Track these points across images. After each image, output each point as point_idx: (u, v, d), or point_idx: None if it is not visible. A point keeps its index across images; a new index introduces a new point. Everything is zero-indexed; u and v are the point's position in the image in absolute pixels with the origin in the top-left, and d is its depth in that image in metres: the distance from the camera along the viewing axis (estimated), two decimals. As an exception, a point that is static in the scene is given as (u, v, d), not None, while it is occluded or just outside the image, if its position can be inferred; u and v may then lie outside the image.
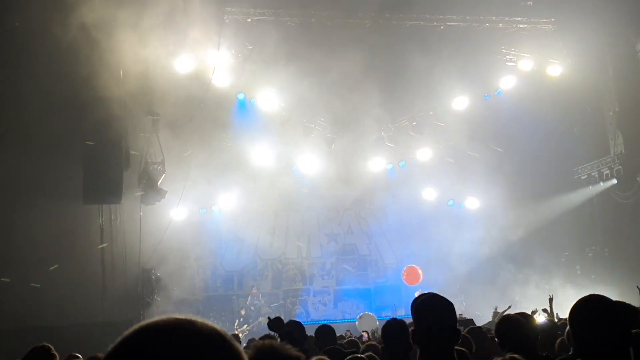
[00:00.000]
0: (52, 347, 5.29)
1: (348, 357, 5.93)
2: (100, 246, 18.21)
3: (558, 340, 6.93)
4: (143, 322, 1.31)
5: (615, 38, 22.46)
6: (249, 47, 21.73)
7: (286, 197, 24.41)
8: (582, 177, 24.70)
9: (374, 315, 22.03)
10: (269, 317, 7.69)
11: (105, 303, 18.80)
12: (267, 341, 3.08)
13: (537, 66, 23.59)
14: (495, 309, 17.50)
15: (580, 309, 3.49)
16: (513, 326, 5.66)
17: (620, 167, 22.93)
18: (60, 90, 16.92)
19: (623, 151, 22.88)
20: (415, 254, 24.58)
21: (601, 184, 23.75)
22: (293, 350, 3.05)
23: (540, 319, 9.58)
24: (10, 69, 17.28)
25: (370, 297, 25.43)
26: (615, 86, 23.20)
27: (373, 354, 6.56)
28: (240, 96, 22.66)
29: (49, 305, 16.51)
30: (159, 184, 19.22)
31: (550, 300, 10.31)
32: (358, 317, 22.02)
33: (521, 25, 23.06)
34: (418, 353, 4.05)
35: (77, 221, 18.42)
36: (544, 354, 5.97)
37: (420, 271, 23.37)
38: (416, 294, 4.12)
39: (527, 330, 5.73)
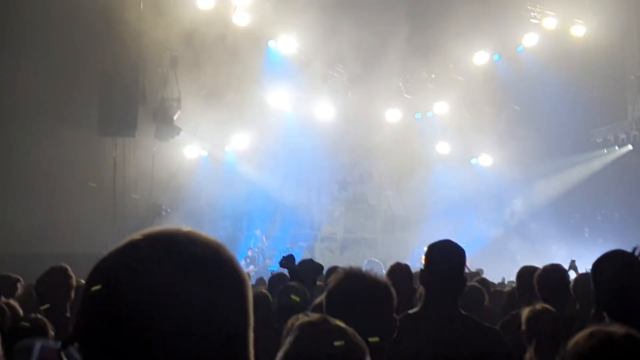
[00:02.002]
0: (69, 268, 5.38)
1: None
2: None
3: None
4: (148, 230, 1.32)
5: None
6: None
7: (300, 142, 24.35)
8: (598, 140, 24.51)
9: (380, 263, 22.20)
10: (283, 257, 7.72)
11: (115, 235, 19.00)
12: (355, 267, 3.12)
13: (561, 25, 23.22)
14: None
15: (605, 263, 3.49)
16: (555, 277, 5.66)
17: (637, 132, 22.73)
18: (79, 19, 16.85)
19: (641, 117, 22.69)
20: (424, 206, 24.61)
21: (616, 148, 23.60)
22: (381, 276, 3.10)
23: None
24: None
25: (376, 247, 25.59)
26: (639, 51, 22.87)
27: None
28: (260, 37, 22.46)
29: (61, 234, 16.73)
30: (174, 120, 19.25)
31: (572, 262, 10.33)
32: (363, 265, 22.15)
33: (549, -18, 22.67)
34: (424, 294, 4.12)
35: (91, 152, 18.52)
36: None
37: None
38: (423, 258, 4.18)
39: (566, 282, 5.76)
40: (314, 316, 2.30)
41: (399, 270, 6.30)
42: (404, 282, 6.17)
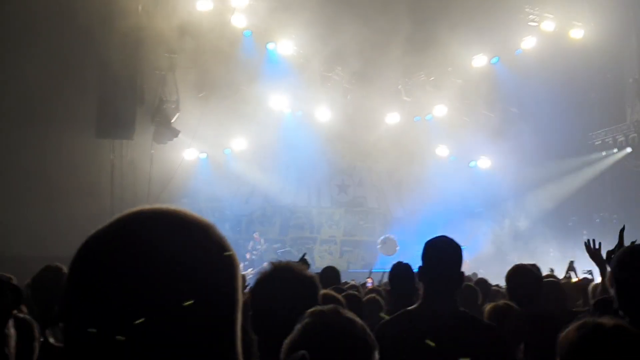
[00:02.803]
0: (64, 267, 5.34)
1: (344, 293, 6.00)
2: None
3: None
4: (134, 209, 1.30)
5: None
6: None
7: (299, 145, 24.35)
8: (596, 143, 24.55)
9: (395, 240, 22.36)
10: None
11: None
12: (283, 261, 3.13)
13: (560, 28, 23.24)
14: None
15: (627, 257, 3.46)
16: (523, 275, 5.68)
17: (635, 135, 22.77)
18: (77, 22, 16.84)
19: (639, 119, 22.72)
20: (424, 210, 24.62)
21: (615, 150, 23.62)
22: (307, 271, 3.09)
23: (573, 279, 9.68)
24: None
25: (375, 250, 25.56)
26: (637, 54, 22.90)
27: (376, 296, 6.66)
28: (259, 39, 22.47)
29: (57, 236, 16.68)
30: (172, 122, 19.24)
31: (571, 263, 10.32)
32: (380, 240, 22.32)
33: (547, -15, 22.69)
34: (422, 291, 4.10)
35: (89, 154, 18.51)
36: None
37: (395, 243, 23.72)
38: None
39: (535, 280, 5.77)
40: (327, 307, 2.31)
41: (400, 270, 6.28)
42: (406, 281, 6.16)
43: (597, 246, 5.40)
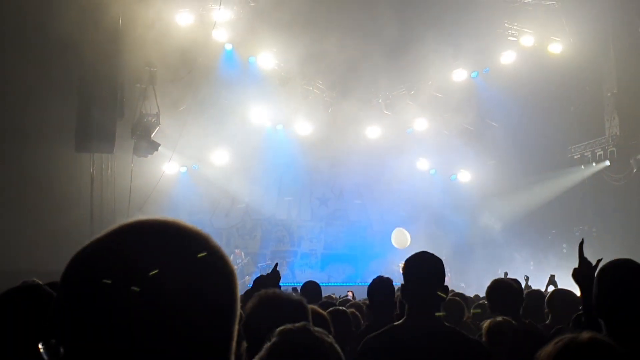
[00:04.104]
0: (42, 283, 5.26)
1: (329, 309, 5.98)
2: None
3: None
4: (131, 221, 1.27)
5: (619, 19, 22.33)
6: (252, 4, 21.49)
7: (280, 158, 24.36)
8: (575, 157, 24.72)
9: (407, 233, 22.36)
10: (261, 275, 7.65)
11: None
12: (270, 290, 3.11)
13: (539, 43, 23.46)
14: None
15: (611, 272, 3.46)
16: (504, 290, 5.69)
17: (614, 148, 22.94)
18: (57, 35, 16.73)
19: (618, 133, 22.87)
20: (405, 223, 24.66)
21: (594, 164, 23.79)
22: (294, 296, 3.08)
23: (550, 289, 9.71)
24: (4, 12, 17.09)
25: (357, 263, 25.56)
26: (615, 68, 23.10)
27: (355, 311, 6.62)
28: (240, 53, 22.48)
29: (36, 251, 16.52)
30: (152, 136, 19.15)
31: (552, 277, 10.35)
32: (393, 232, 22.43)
33: (526, 0, 22.86)
34: (406, 307, 4.07)
35: (68, 168, 18.36)
36: (527, 321, 6.02)
37: (408, 235, 23.50)
38: (400, 265, 4.16)
39: (516, 295, 5.77)
40: (296, 325, 2.28)
41: (381, 284, 6.25)
42: (385, 297, 6.13)
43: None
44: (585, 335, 2.32)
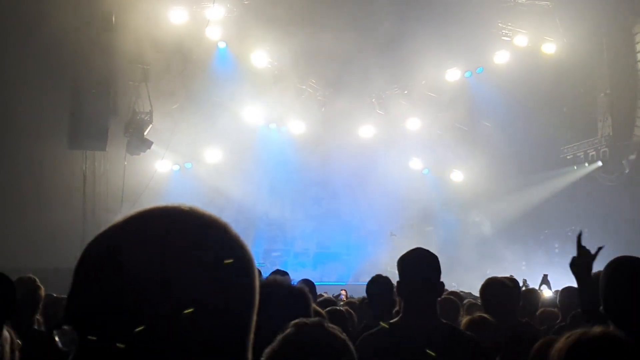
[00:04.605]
0: (37, 279, 5.24)
1: (327, 309, 5.96)
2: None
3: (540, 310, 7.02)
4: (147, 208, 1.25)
5: (613, 21, 22.40)
6: (245, 2, 21.44)
7: (273, 157, 24.32)
8: (568, 157, 24.78)
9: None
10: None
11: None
12: (271, 277, 3.09)
13: (532, 43, 23.48)
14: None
15: (616, 269, 3.44)
16: (497, 289, 5.68)
17: (606, 149, 23.01)
18: (50, 32, 16.68)
19: (611, 134, 22.95)
20: (398, 222, 24.69)
21: (586, 164, 23.85)
22: (297, 286, 3.05)
23: (546, 292, 9.71)
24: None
25: (349, 262, 25.53)
26: (608, 69, 23.17)
27: (349, 309, 6.62)
28: (233, 51, 22.43)
29: (28, 248, 16.45)
30: (145, 134, 19.10)
31: (545, 276, 10.38)
32: None
33: (520, 0, 22.89)
34: (402, 305, 4.06)
35: (61, 165, 18.30)
36: (524, 320, 6.02)
37: None
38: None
39: (510, 294, 5.76)
40: (311, 319, 2.28)
41: (378, 283, 6.24)
42: (384, 294, 6.11)
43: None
44: (596, 329, 2.30)
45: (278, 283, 2.99)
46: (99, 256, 1.18)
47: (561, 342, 2.32)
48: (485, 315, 5.06)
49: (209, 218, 1.24)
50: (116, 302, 1.13)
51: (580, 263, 4.10)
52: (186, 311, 1.12)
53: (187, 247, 1.17)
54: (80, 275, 1.19)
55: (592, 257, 4.13)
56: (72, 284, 1.20)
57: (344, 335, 2.26)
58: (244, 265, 1.23)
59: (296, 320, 2.32)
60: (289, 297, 2.92)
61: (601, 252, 4.24)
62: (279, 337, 2.23)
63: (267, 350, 2.23)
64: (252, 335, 1.24)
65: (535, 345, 3.63)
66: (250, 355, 1.24)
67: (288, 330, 2.24)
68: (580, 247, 4.13)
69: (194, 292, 1.14)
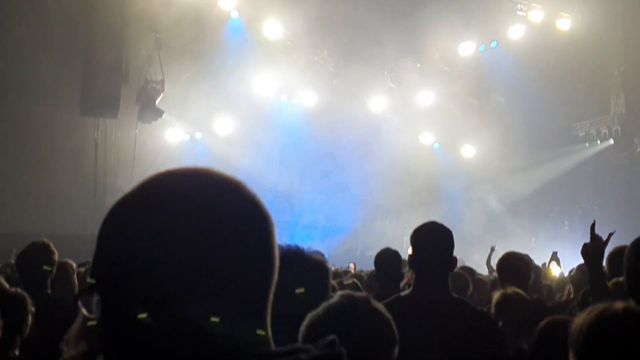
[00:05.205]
0: (51, 243, 5.26)
1: (337, 280, 5.99)
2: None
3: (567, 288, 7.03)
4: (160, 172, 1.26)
5: (629, -2, 22.22)
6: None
7: (283, 128, 24.28)
8: (580, 134, 24.66)
9: None
10: None
11: (95, 217, 18.84)
12: (292, 245, 3.08)
13: (547, 18, 23.26)
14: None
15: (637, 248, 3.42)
16: (516, 265, 5.68)
17: (619, 127, 22.89)
18: (64, 0, 16.65)
19: (623, 112, 22.81)
20: (407, 197, 24.67)
21: (598, 142, 23.75)
22: (317, 255, 3.05)
23: (556, 270, 9.67)
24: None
25: (357, 236, 25.56)
26: (623, 46, 22.99)
27: (356, 281, 6.65)
28: (245, 21, 22.30)
29: (40, 214, 16.57)
30: (157, 103, 19.09)
31: (554, 254, 10.36)
32: None
33: (536, -25, 22.67)
34: (414, 277, 4.06)
35: (73, 133, 18.36)
36: (535, 296, 6.03)
37: None
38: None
39: (529, 269, 5.77)
40: (358, 293, 2.29)
41: (388, 256, 6.26)
42: (392, 268, 6.14)
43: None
44: (619, 305, 2.28)
45: (297, 251, 2.99)
46: (122, 220, 1.19)
47: (582, 317, 2.30)
48: (519, 290, 5.01)
49: (226, 177, 1.26)
50: (137, 267, 1.14)
51: (592, 250, 4.10)
52: (205, 271, 1.14)
53: (205, 205, 1.18)
54: (103, 241, 1.20)
55: (604, 244, 4.13)
56: (96, 249, 1.21)
57: (388, 314, 2.27)
58: (263, 223, 1.25)
59: (344, 291, 2.31)
60: (308, 265, 2.92)
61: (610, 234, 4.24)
62: (324, 304, 2.24)
63: (311, 315, 2.24)
64: (271, 295, 1.24)
65: (541, 323, 3.64)
66: (269, 315, 1.24)
67: (335, 299, 2.25)
68: (594, 234, 4.12)
69: (213, 252, 1.15)
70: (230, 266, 1.16)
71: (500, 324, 4.47)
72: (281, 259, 2.97)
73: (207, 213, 1.17)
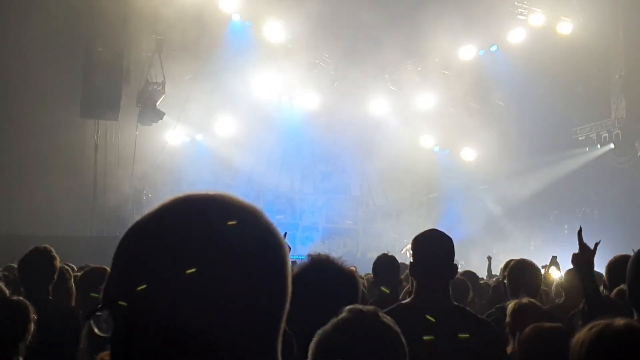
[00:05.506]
0: (53, 249, 5.28)
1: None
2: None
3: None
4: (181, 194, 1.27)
5: (629, 1, 22.18)
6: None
7: (284, 130, 24.33)
8: (580, 138, 24.64)
9: None
10: None
11: (95, 219, 18.88)
12: (322, 253, 3.08)
13: (548, 22, 23.24)
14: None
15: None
16: (529, 272, 5.67)
17: (619, 131, 22.87)
18: (65, 2, 16.67)
19: (624, 116, 22.80)
20: (407, 200, 24.71)
21: (598, 146, 23.73)
22: (347, 265, 3.05)
23: (555, 274, 9.69)
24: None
25: (358, 237, 25.61)
26: (624, 50, 22.97)
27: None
28: (247, 24, 22.32)
29: (39, 216, 16.57)
30: (157, 104, 19.09)
31: (554, 258, 10.37)
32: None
33: (536, -21, 22.67)
34: (415, 285, 4.08)
35: (73, 135, 18.36)
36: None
37: None
38: (403, 250, 4.13)
39: (539, 278, 5.77)
40: (366, 307, 2.29)
41: (385, 262, 6.28)
42: (390, 274, 6.15)
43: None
44: (621, 320, 2.29)
45: (327, 261, 2.98)
46: (139, 243, 1.20)
47: (583, 333, 2.31)
48: (534, 300, 5.00)
49: (243, 204, 1.27)
50: (152, 293, 1.15)
51: (581, 259, 4.12)
52: (219, 301, 1.15)
53: (223, 236, 1.18)
54: (119, 262, 1.21)
55: (592, 253, 4.15)
56: (111, 270, 1.23)
57: (397, 328, 2.27)
58: (277, 253, 1.25)
59: (352, 306, 2.31)
60: (340, 278, 2.91)
61: (600, 242, 4.25)
62: (333, 320, 2.24)
63: (320, 331, 2.24)
64: (282, 325, 1.25)
65: (526, 330, 3.65)
66: (279, 344, 1.25)
67: (343, 315, 2.25)
68: (582, 243, 4.14)
69: (229, 281, 1.16)
70: (245, 295, 1.17)
71: (516, 334, 4.47)
72: (311, 268, 2.95)
73: (224, 241, 1.18)
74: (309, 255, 3.04)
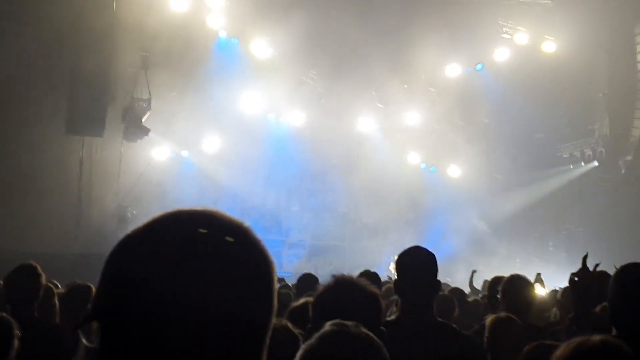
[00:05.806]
0: (39, 266, 5.24)
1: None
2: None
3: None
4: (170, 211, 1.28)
5: (614, 21, 22.42)
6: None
7: (270, 146, 24.32)
8: (564, 156, 24.84)
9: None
10: None
11: (79, 235, 18.77)
12: (347, 275, 3.08)
13: (532, 41, 23.48)
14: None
15: (628, 277, 3.43)
16: (523, 288, 5.66)
17: (603, 149, 23.08)
18: (51, 17, 16.63)
19: (608, 134, 23.02)
20: (394, 217, 24.73)
21: (582, 164, 23.92)
22: (371, 286, 3.05)
23: (540, 291, 9.70)
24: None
25: (344, 255, 25.54)
26: (607, 68, 23.22)
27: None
28: (233, 40, 22.38)
29: (24, 232, 16.45)
30: (143, 121, 19.07)
31: (538, 275, 10.39)
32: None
33: (521, -2, 22.90)
34: (399, 303, 4.09)
35: (58, 151, 18.28)
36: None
37: None
38: (391, 266, 4.14)
39: (533, 294, 5.77)
40: (349, 322, 2.29)
41: (367, 278, 6.27)
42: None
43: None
44: (596, 337, 2.32)
45: (354, 285, 2.99)
46: (128, 257, 1.21)
47: (561, 349, 2.34)
48: (511, 315, 4.99)
49: (231, 221, 1.27)
50: (140, 306, 1.16)
51: (581, 282, 4.14)
52: (207, 315, 1.16)
53: (212, 252, 1.20)
54: (108, 275, 1.22)
55: (591, 279, 4.17)
56: (100, 281, 1.23)
57: (379, 341, 2.28)
58: (264, 271, 1.26)
59: (335, 320, 2.33)
60: (364, 301, 2.92)
61: (589, 256, 4.28)
62: (317, 334, 2.25)
63: (305, 345, 2.25)
64: (267, 342, 1.26)
65: (526, 347, 3.67)
66: (264, 357, 1.26)
67: (326, 329, 2.25)
68: (585, 267, 4.16)
69: (217, 296, 1.17)
70: (233, 310, 1.18)
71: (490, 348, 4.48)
72: (335, 289, 2.94)
73: (213, 257, 1.19)
74: (333, 275, 3.06)
